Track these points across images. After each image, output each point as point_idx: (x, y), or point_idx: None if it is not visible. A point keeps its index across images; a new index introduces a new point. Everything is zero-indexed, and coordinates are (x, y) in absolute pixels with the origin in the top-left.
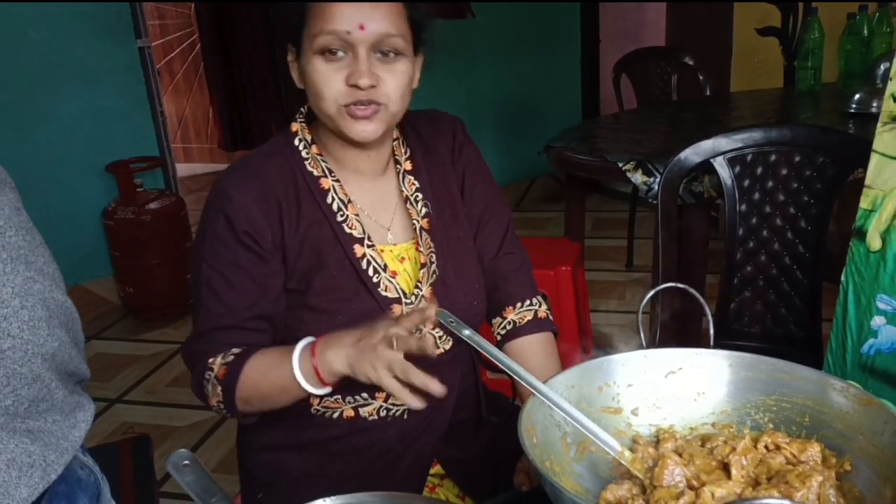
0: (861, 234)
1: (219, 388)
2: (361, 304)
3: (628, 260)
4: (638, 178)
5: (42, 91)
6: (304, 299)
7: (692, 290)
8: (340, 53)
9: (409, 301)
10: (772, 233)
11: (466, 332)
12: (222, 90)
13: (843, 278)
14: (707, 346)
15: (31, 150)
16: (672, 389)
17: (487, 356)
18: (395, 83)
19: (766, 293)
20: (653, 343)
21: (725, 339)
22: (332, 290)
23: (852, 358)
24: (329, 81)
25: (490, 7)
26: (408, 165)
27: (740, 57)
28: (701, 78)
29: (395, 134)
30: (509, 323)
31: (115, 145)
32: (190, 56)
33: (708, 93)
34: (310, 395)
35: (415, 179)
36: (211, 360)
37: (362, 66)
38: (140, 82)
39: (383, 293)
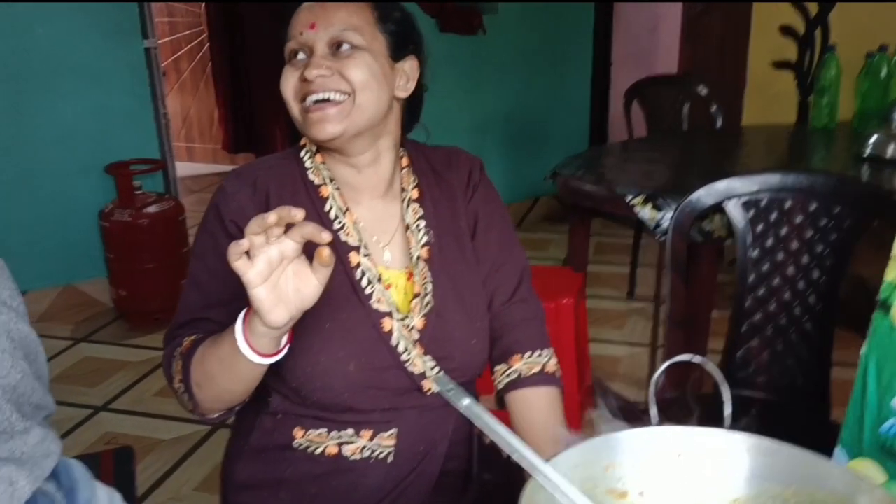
0: (885, 307)
1: (179, 364)
2: (352, 312)
3: (630, 289)
4: (646, 213)
5: (45, 87)
6: None
7: (710, 366)
8: (301, 56)
9: (400, 317)
10: (783, 281)
11: (465, 402)
12: (228, 91)
13: (863, 351)
14: (721, 426)
15: (31, 147)
16: (682, 472)
17: (487, 433)
18: (355, 71)
19: (774, 342)
20: (662, 418)
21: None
22: (322, 294)
23: (870, 436)
24: (289, 81)
25: (502, 24)
26: (414, 193)
27: (754, 89)
28: (713, 109)
29: (405, 162)
30: (515, 372)
31: (116, 146)
32: (198, 55)
33: (719, 124)
34: (252, 365)
35: (419, 207)
36: (187, 338)
37: (314, 60)
38: (144, 83)
39: (375, 305)
